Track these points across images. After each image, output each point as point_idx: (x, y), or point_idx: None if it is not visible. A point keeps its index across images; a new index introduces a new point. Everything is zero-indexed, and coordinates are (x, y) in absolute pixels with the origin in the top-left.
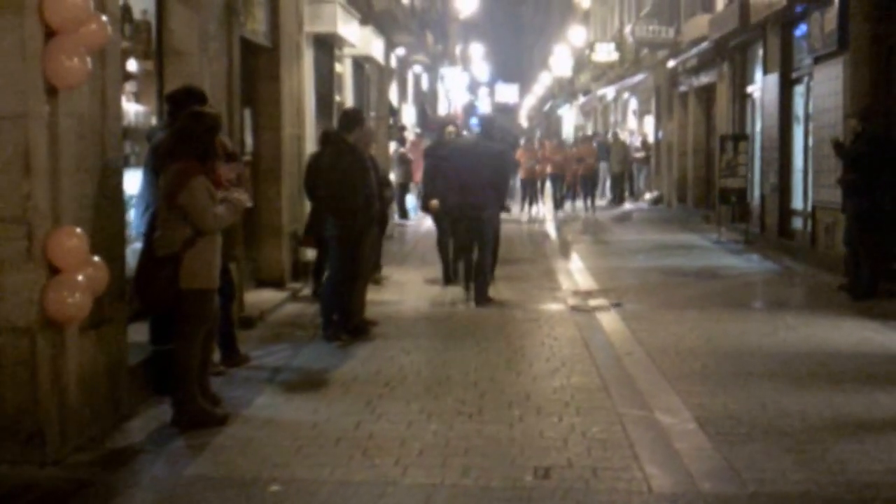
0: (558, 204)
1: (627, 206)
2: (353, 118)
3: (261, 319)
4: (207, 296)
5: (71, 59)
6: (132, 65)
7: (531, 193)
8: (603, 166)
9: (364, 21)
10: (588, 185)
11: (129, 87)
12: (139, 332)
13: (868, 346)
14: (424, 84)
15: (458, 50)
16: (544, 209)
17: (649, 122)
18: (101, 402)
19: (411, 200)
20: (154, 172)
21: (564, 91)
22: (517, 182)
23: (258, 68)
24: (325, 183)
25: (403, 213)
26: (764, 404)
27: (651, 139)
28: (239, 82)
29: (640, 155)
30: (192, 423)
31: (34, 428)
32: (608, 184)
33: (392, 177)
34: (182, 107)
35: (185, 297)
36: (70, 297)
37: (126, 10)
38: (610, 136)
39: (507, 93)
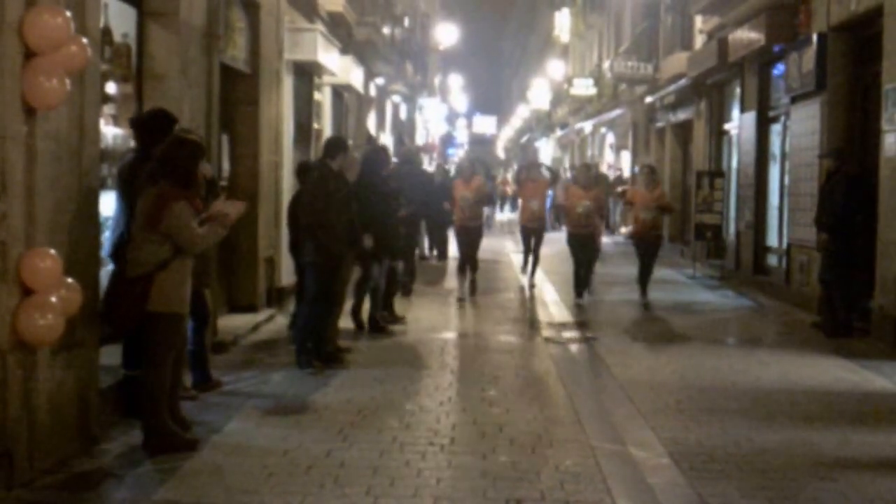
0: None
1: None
2: (336, 145)
3: (234, 344)
4: (177, 320)
5: (50, 81)
6: (111, 87)
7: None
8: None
9: (344, 50)
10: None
11: (108, 109)
12: (111, 355)
13: (842, 384)
14: (403, 114)
15: (437, 81)
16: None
17: (626, 156)
18: (70, 424)
19: None
20: (126, 195)
21: (542, 124)
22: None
23: (237, 94)
24: (306, 209)
25: None
26: (738, 440)
27: (627, 174)
28: (218, 107)
29: (621, 188)
30: (161, 447)
31: (2, 449)
32: None
33: None
34: (149, 131)
35: (155, 321)
36: (42, 319)
37: (106, 32)
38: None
39: (485, 124)
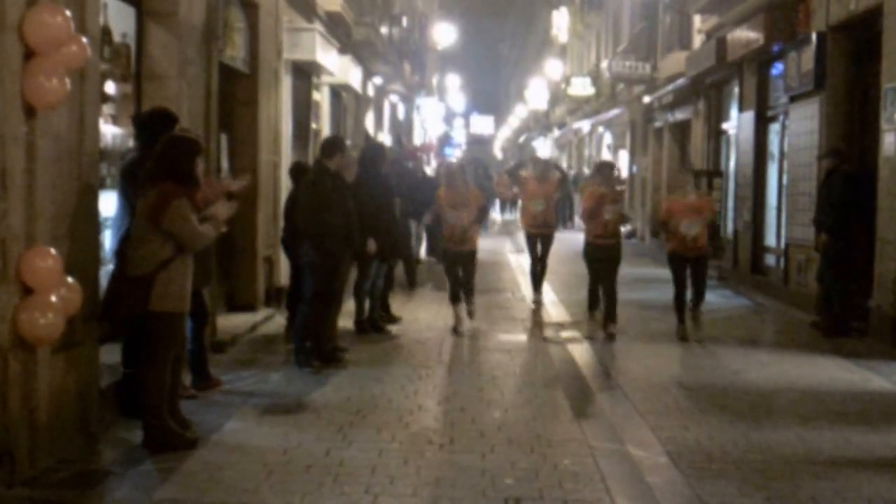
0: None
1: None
2: (333, 145)
3: (233, 344)
4: (178, 319)
5: (50, 80)
6: (110, 87)
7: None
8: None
9: (343, 50)
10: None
11: (107, 109)
12: (111, 354)
13: (840, 384)
14: (401, 114)
15: (434, 80)
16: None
17: (623, 156)
18: (71, 423)
19: None
20: (127, 193)
21: (540, 124)
22: None
23: (236, 94)
24: (303, 209)
25: None
26: (736, 440)
27: (625, 174)
28: (217, 107)
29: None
30: (161, 446)
31: (3, 448)
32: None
33: None
34: (150, 130)
35: (156, 320)
36: (42, 318)
37: (106, 32)
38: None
39: (483, 124)
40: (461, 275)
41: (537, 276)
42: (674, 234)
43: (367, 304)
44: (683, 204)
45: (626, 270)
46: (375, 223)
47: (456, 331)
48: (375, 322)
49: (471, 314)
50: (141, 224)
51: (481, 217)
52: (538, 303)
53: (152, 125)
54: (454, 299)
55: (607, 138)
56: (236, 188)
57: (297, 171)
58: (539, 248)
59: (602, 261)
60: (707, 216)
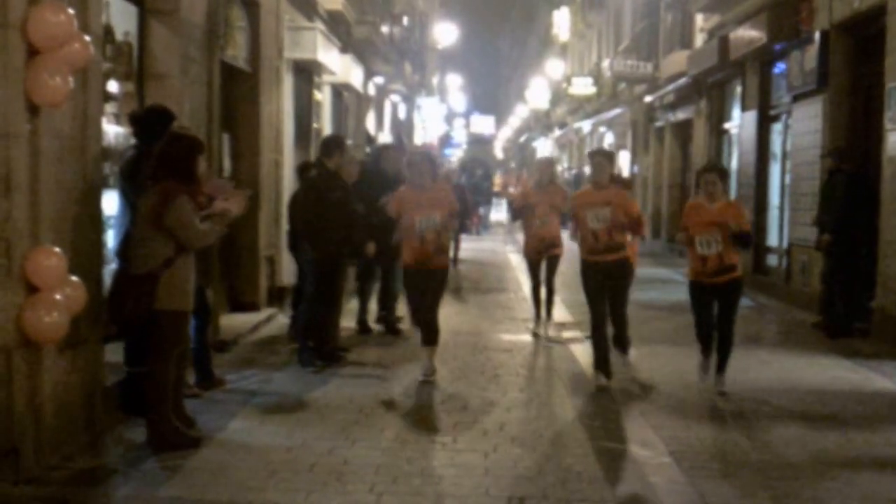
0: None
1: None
2: (332, 143)
3: (236, 343)
4: (182, 317)
5: (53, 78)
6: (113, 86)
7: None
8: None
9: (344, 49)
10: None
11: (110, 108)
12: (115, 353)
13: (842, 384)
14: (401, 113)
15: (435, 80)
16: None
17: (625, 156)
18: (75, 421)
19: None
20: (128, 190)
21: (541, 123)
22: None
23: (238, 93)
24: (302, 208)
25: None
26: (738, 440)
27: (626, 173)
28: (219, 106)
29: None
30: (165, 444)
31: (9, 445)
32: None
33: None
34: (147, 127)
35: (160, 319)
36: (47, 317)
37: (108, 30)
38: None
39: (483, 124)
40: (426, 301)
41: (546, 300)
42: (691, 252)
43: (368, 304)
44: (705, 211)
45: None
46: (371, 224)
47: (426, 378)
48: (391, 323)
49: (429, 369)
50: (143, 223)
51: (454, 222)
52: (538, 336)
53: (149, 122)
54: (429, 341)
55: (609, 138)
56: (237, 204)
57: (305, 169)
58: (544, 268)
59: (599, 282)
60: (732, 227)
